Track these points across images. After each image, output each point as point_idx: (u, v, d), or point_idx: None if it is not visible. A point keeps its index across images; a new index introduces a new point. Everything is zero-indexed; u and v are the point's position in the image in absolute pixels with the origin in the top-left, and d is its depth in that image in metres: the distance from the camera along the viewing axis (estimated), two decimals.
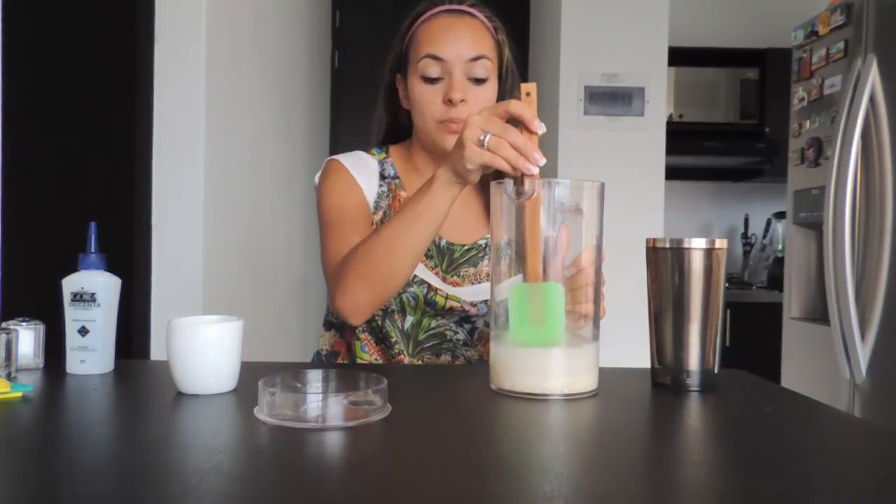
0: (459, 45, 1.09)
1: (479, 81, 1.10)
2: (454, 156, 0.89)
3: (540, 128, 0.85)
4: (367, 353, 1.15)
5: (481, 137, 0.85)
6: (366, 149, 1.22)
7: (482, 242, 1.17)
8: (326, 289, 1.23)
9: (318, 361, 1.22)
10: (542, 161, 0.84)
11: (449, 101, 1.09)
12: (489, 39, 1.13)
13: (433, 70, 1.10)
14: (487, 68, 1.11)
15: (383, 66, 1.21)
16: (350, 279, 0.99)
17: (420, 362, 1.14)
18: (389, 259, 0.96)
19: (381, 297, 0.99)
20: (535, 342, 0.79)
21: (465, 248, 1.16)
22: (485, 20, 1.14)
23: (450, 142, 1.10)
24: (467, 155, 0.86)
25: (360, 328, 1.15)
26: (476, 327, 1.14)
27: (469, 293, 1.12)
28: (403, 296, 1.09)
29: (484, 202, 1.21)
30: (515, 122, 0.87)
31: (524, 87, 0.87)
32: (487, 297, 1.12)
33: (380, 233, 0.98)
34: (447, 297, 1.09)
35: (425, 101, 1.11)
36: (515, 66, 1.18)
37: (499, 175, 0.89)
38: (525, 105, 0.86)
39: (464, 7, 1.14)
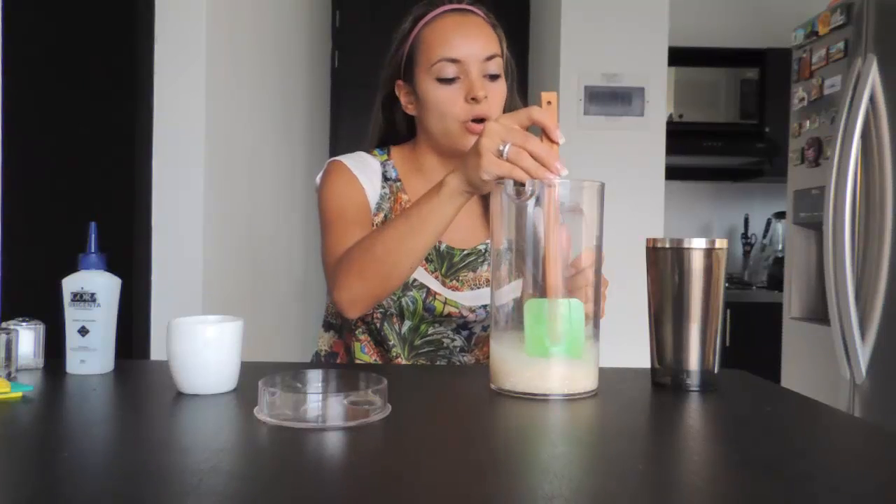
0: (473, 45, 1.09)
1: (493, 78, 1.10)
2: (469, 164, 0.87)
3: (561, 138, 0.84)
4: (367, 354, 1.15)
5: (500, 147, 0.83)
6: (367, 150, 1.21)
7: (482, 247, 1.17)
8: (327, 289, 1.23)
9: (318, 362, 1.22)
10: (564, 171, 0.82)
11: (473, 100, 1.07)
12: (495, 37, 1.12)
13: (450, 71, 1.08)
14: (500, 65, 1.11)
15: (383, 73, 1.19)
16: (349, 273, 0.98)
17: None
18: (390, 259, 0.96)
19: (378, 293, 0.99)
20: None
21: (465, 252, 1.15)
22: (486, 17, 1.14)
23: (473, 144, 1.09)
24: (484, 165, 0.84)
25: (360, 330, 1.15)
26: (473, 333, 1.14)
27: (468, 298, 1.12)
28: (403, 300, 1.08)
29: (485, 207, 1.20)
30: (532, 129, 0.86)
31: (545, 95, 0.85)
32: (486, 302, 1.11)
33: (383, 231, 0.97)
34: (445, 303, 1.09)
35: (445, 102, 1.09)
36: (513, 62, 1.18)
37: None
38: (548, 113, 0.84)
39: (466, 6, 1.13)
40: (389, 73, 1.18)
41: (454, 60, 1.08)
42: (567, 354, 0.77)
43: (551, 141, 0.85)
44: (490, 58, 1.09)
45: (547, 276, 0.78)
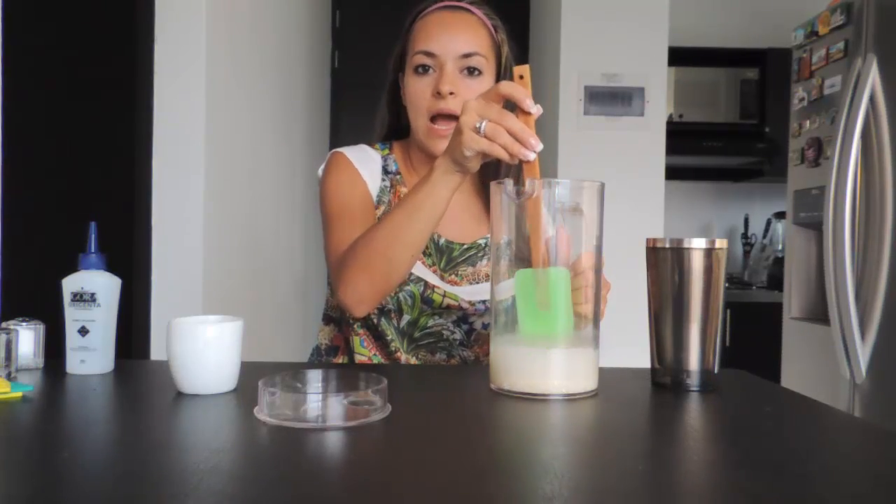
0: (452, 41, 1.09)
1: (471, 73, 1.10)
2: (452, 142, 0.89)
3: (533, 108, 0.84)
4: (366, 348, 1.15)
5: (477, 124, 0.84)
6: (370, 143, 1.22)
7: (481, 242, 1.17)
8: (327, 282, 1.23)
9: (318, 356, 1.22)
10: (539, 146, 0.83)
11: (437, 94, 1.08)
12: (485, 37, 1.13)
13: (425, 64, 1.10)
14: (481, 64, 1.11)
15: (388, 66, 1.21)
16: (352, 271, 0.99)
17: (416, 359, 1.14)
18: (391, 251, 0.96)
19: (383, 288, 0.99)
20: (543, 329, 0.79)
21: (465, 247, 1.16)
22: (482, 17, 1.14)
23: (438, 147, 1.10)
24: (465, 141, 0.85)
25: (358, 324, 1.15)
26: (473, 328, 1.14)
27: (467, 293, 1.12)
28: (400, 295, 1.08)
29: (484, 203, 1.21)
30: (512, 107, 0.86)
31: (517, 69, 0.86)
32: (485, 297, 1.11)
33: (381, 225, 0.98)
34: (445, 295, 1.09)
35: (416, 95, 1.11)
36: (512, 62, 1.18)
37: (498, 175, 0.89)
38: (517, 86, 0.85)
39: (461, 3, 1.14)
40: (392, 65, 1.20)
41: (429, 54, 1.10)
42: (556, 322, 0.78)
43: (525, 114, 0.84)
44: (468, 55, 1.10)
45: (532, 250, 0.79)
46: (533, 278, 0.79)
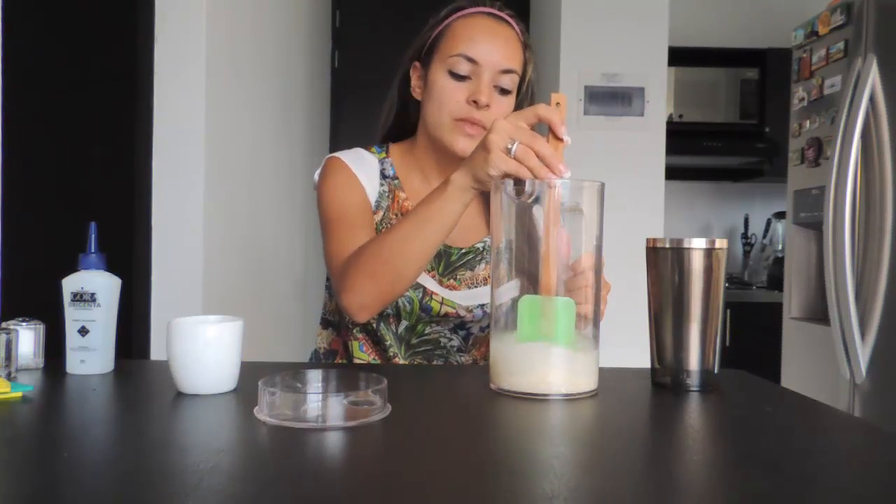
0: (496, 54, 1.09)
1: (503, 92, 1.10)
2: (476, 159, 0.88)
3: (566, 136, 0.85)
4: (365, 352, 1.15)
5: (509, 145, 0.84)
6: (366, 147, 1.21)
7: (479, 245, 1.17)
8: (325, 286, 1.23)
9: (317, 360, 1.22)
10: (567, 173, 0.83)
11: (474, 102, 1.08)
12: (520, 55, 1.13)
13: (463, 68, 1.09)
14: (514, 82, 1.11)
15: (407, 52, 1.19)
16: (358, 278, 0.98)
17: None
18: (398, 260, 0.96)
19: (388, 295, 0.98)
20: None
21: (463, 251, 1.15)
22: (520, 34, 1.14)
23: (460, 143, 1.09)
24: (492, 160, 0.85)
25: (357, 329, 1.15)
26: (471, 333, 1.13)
27: (465, 297, 1.12)
28: (399, 300, 1.08)
29: (482, 206, 1.20)
30: (538, 128, 0.87)
31: (555, 96, 0.86)
32: (483, 301, 1.11)
33: (390, 233, 0.97)
34: (442, 303, 1.09)
35: (447, 95, 1.09)
36: (536, 87, 1.18)
37: None
38: (554, 111, 0.86)
39: (506, 16, 1.13)
40: (412, 53, 1.18)
41: (471, 60, 1.09)
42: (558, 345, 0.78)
43: (557, 139, 0.86)
44: (507, 71, 1.09)
45: (542, 275, 0.78)
46: (539, 306, 0.78)
